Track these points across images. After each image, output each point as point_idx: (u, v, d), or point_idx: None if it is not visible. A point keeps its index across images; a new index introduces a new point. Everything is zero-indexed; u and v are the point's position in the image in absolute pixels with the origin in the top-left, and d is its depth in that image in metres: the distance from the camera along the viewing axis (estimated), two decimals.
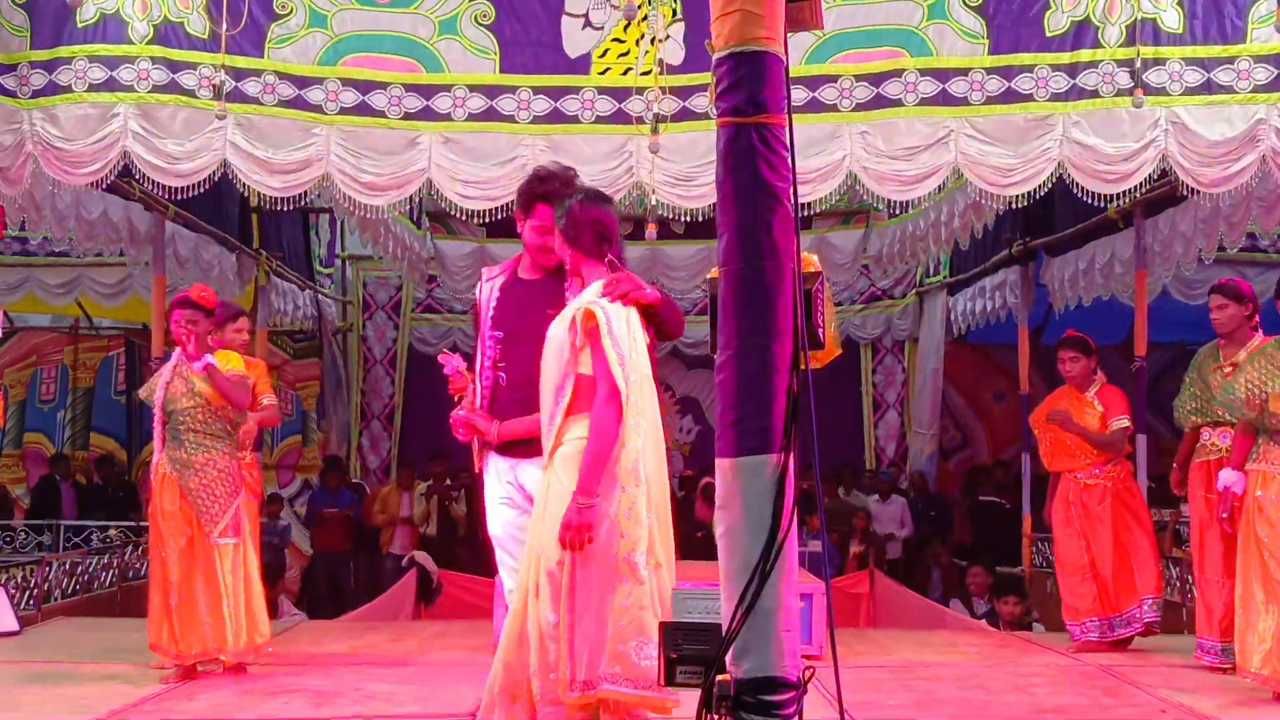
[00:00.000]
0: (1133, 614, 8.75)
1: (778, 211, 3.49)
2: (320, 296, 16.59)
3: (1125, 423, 8.86)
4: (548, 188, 5.50)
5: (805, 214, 9.91)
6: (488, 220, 9.84)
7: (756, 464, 3.42)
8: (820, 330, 3.53)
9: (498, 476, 5.52)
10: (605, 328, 4.73)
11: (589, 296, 4.94)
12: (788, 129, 3.55)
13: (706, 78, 8.95)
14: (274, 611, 10.48)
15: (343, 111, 9.32)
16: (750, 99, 3.51)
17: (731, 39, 3.57)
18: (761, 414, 3.41)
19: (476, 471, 5.63)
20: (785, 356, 3.45)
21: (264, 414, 8.57)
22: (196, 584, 7.54)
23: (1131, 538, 8.80)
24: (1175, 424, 8.36)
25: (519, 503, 5.44)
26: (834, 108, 9.20)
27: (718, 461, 3.50)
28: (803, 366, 3.48)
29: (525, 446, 5.34)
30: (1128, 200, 10.26)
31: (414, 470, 15.46)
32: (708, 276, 3.57)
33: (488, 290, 5.62)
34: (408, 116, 9.34)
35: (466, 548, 14.90)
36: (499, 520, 5.50)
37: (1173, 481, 8.41)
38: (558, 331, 4.96)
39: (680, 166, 9.30)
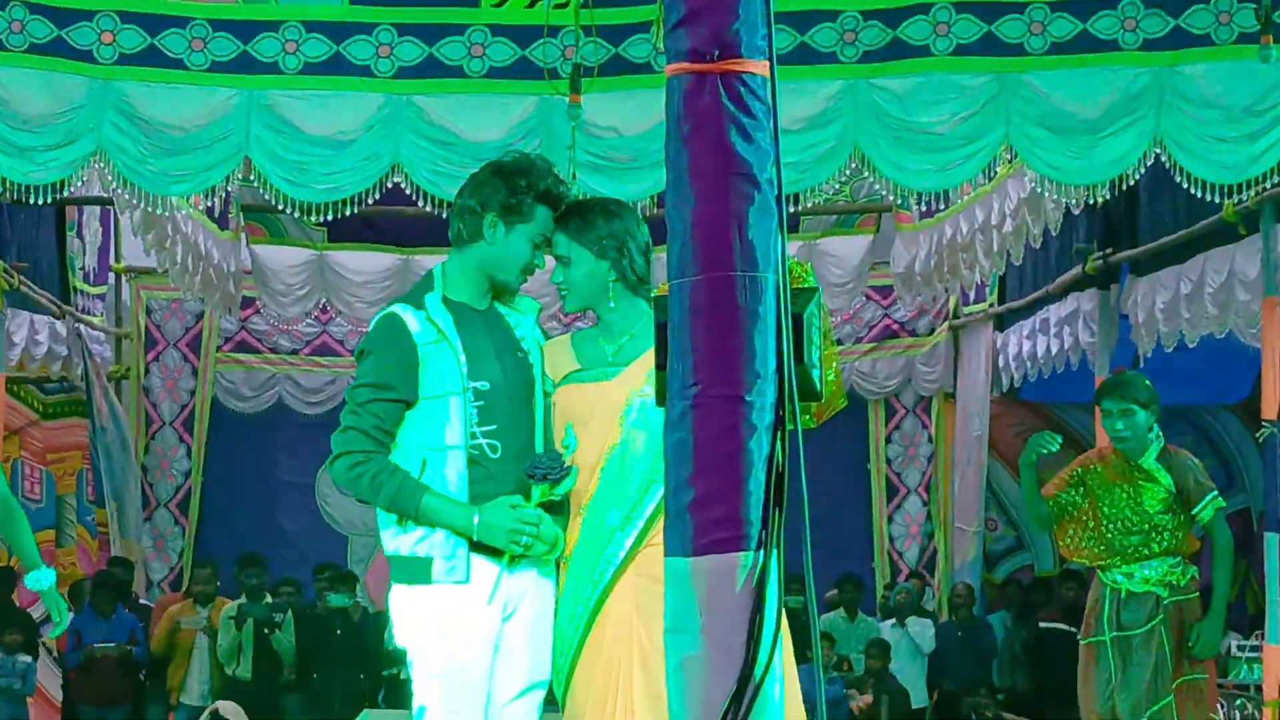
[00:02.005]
0: None
1: (754, 199, 3.50)
2: (84, 328, 16.46)
3: (1221, 500, 8.94)
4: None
5: (790, 211, 9.96)
6: (329, 218, 9.80)
7: (724, 567, 3.41)
8: (816, 371, 3.52)
9: (481, 589, 5.56)
10: None
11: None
12: (769, 78, 3.56)
13: (650, 11, 8.99)
14: None
15: (122, 60, 9.29)
16: (714, 36, 3.52)
17: None
18: (730, 494, 3.40)
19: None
20: (765, 410, 3.44)
21: None
22: None
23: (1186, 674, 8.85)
24: None
25: (497, 628, 5.56)
26: (832, 58, 9.26)
27: (667, 563, 3.49)
28: (791, 425, 3.47)
29: None
30: (1252, 196, 10.37)
31: (214, 580, 15.33)
32: (652, 294, 3.57)
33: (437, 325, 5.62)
34: (216, 67, 9.32)
35: (295, 695, 14.76)
36: (473, 653, 5.54)
37: None
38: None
39: (612, 140, 9.32)
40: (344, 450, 5.52)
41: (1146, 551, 8.87)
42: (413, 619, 5.55)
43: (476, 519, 5.45)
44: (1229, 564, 8.97)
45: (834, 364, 3.82)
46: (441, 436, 5.54)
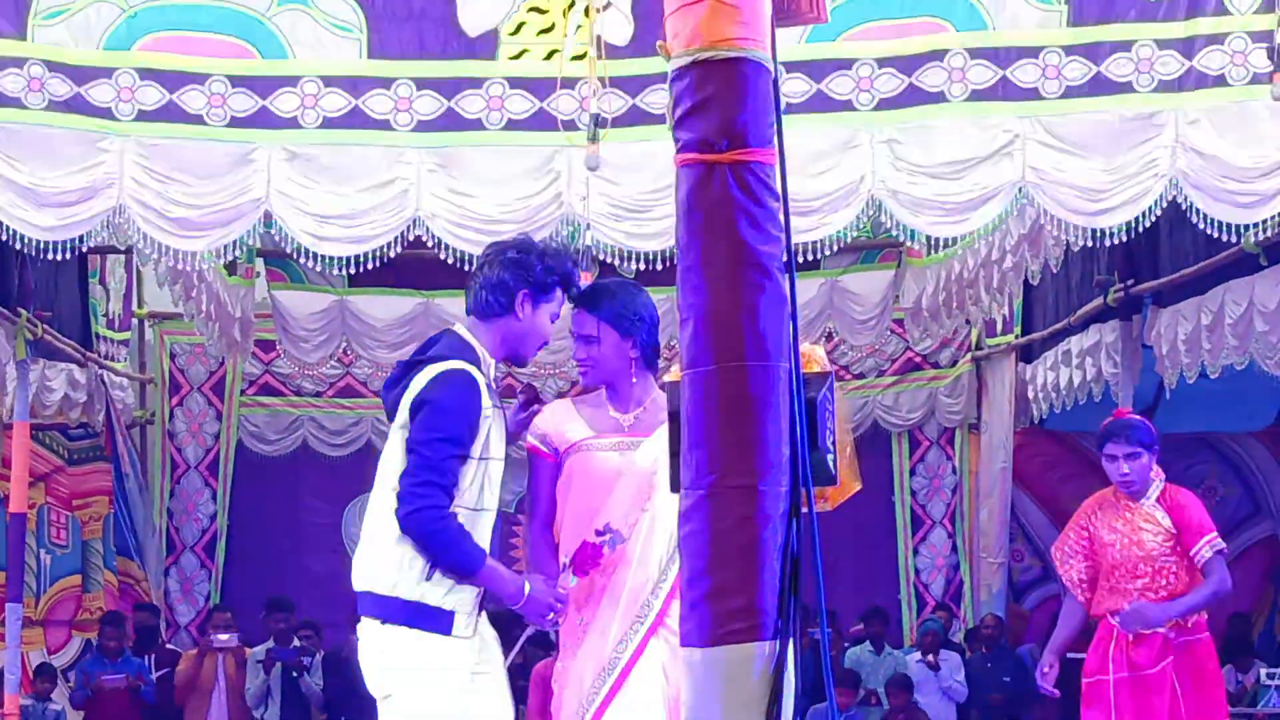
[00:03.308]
0: None
1: (765, 289, 3.52)
2: (107, 374, 16.51)
3: (1220, 543, 8.88)
4: None
5: (813, 255, 10.00)
6: (354, 270, 9.86)
7: (740, 657, 3.43)
8: (830, 457, 3.55)
9: (474, 646, 5.91)
10: None
11: None
12: (778, 168, 3.59)
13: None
14: None
15: (142, 116, 9.35)
16: (723, 127, 3.55)
17: (694, 40, 3.61)
18: (746, 585, 3.42)
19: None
20: (779, 499, 3.46)
21: None
22: None
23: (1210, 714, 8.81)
24: None
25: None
26: (848, 105, 9.30)
27: (684, 654, 3.50)
28: (805, 510, 3.49)
29: None
30: (1270, 229, 10.37)
31: (230, 621, 15.34)
32: (664, 379, 3.60)
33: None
34: (236, 123, 9.38)
35: None
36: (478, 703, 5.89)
37: None
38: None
39: (629, 190, 9.40)
40: (428, 505, 5.68)
41: (1153, 595, 8.81)
42: (418, 666, 5.75)
43: (527, 589, 5.79)
44: (1211, 595, 8.78)
45: (848, 449, 3.83)
46: (482, 498, 5.82)
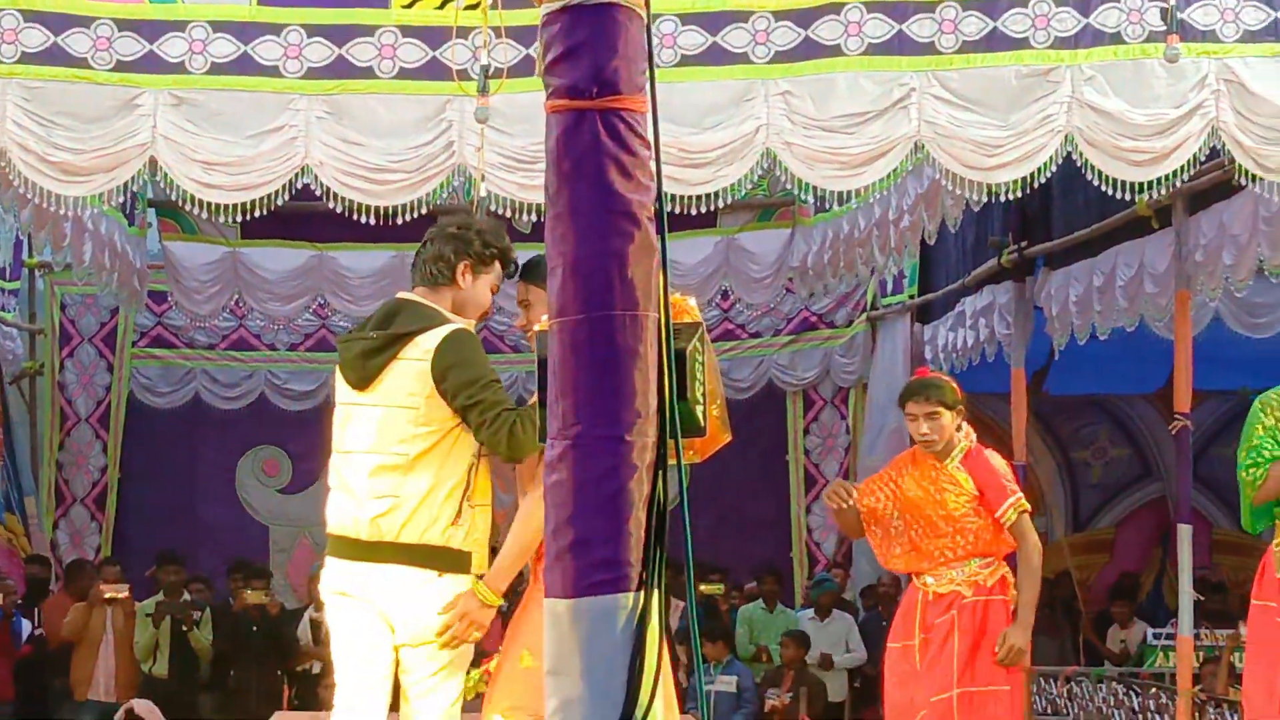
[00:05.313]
0: None
1: (634, 238, 3.48)
2: None
3: (1024, 504, 8.83)
4: None
5: (708, 208, 9.97)
6: (241, 218, 9.76)
7: (604, 609, 3.40)
8: (699, 409, 3.51)
9: None
10: None
11: None
12: (651, 116, 3.54)
13: None
14: None
15: (25, 59, 9.25)
16: (594, 74, 3.50)
17: None
18: (612, 536, 3.39)
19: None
20: (646, 450, 3.42)
21: None
22: None
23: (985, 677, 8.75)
24: (1245, 520, 8.31)
25: None
26: (743, 58, 9.28)
27: (548, 605, 3.47)
28: (673, 461, 3.46)
29: None
30: (1164, 191, 10.43)
31: (121, 572, 15.21)
32: (534, 329, 3.55)
33: None
34: (121, 67, 9.29)
35: (211, 693, 14.68)
36: None
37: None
38: None
39: (522, 142, 9.33)
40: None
41: (952, 555, 8.76)
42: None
43: None
44: (1033, 569, 8.76)
45: (719, 398, 3.79)
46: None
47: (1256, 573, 8.15)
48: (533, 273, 6.53)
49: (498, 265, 6.55)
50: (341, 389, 6.53)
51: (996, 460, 8.87)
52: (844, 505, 8.74)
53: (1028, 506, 8.81)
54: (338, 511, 6.40)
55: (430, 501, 6.23)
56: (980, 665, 8.67)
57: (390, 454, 6.26)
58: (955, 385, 8.92)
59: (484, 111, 9.09)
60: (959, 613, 8.68)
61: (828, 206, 13.61)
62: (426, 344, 6.26)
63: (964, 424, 8.83)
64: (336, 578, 6.39)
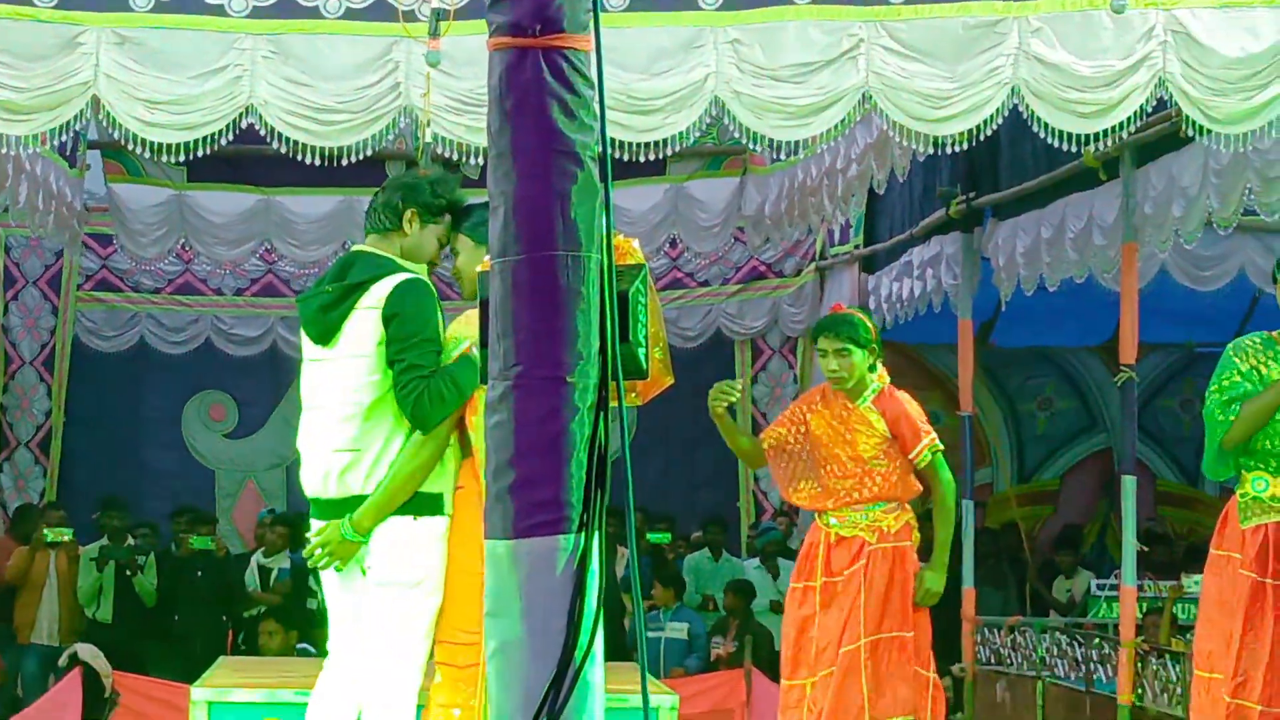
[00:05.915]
0: None
1: (577, 178, 3.46)
2: None
3: (939, 444, 8.85)
4: None
5: (657, 155, 9.94)
6: (188, 158, 9.70)
7: (544, 550, 3.39)
8: (641, 351, 3.50)
9: None
10: None
11: None
12: (594, 53, 3.52)
13: None
14: None
15: None
16: (537, 11, 3.47)
17: None
18: (552, 476, 3.38)
19: None
20: (588, 392, 3.41)
21: None
22: None
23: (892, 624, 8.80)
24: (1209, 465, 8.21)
25: None
26: (693, 4, 9.22)
27: (488, 545, 3.46)
28: (614, 403, 3.44)
29: None
30: (1111, 143, 10.44)
31: (65, 516, 15.18)
32: (476, 270, 3.52)
33: None
34: (64, 4, 9.16)
35: (157, 640, 14.65)
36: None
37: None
38: None
39: (470, 85, 9.22)
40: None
41: (859, 495, 8.76)
42: (424, 549, 6.27)
43: None
44: (948, 509, 8.85)
45: (661, 341, 3.77)
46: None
47: (1218, 523, 8.05)
48: (461, 220, 6.55)
49: (447, 217, 6.59)
50: (306, 345, 6.55)
51: (910, 402, 8.87)
52: (728, 403, 8.82)
53: (942, 447, 8.83)
54: (309, 472, 6.45)
55: (390, 449, 6.23)
56: (889, 613, 8.67)
57: (349, 404, 6.29)
58: (871, 324, 8.92)
59: (435, 55, 9.00)
60: (867, 561, 8.67)
61: (781, 156, 13.57)
62: (379, 291, 6.29)
63: (878, 364, 8.83)
64: None
